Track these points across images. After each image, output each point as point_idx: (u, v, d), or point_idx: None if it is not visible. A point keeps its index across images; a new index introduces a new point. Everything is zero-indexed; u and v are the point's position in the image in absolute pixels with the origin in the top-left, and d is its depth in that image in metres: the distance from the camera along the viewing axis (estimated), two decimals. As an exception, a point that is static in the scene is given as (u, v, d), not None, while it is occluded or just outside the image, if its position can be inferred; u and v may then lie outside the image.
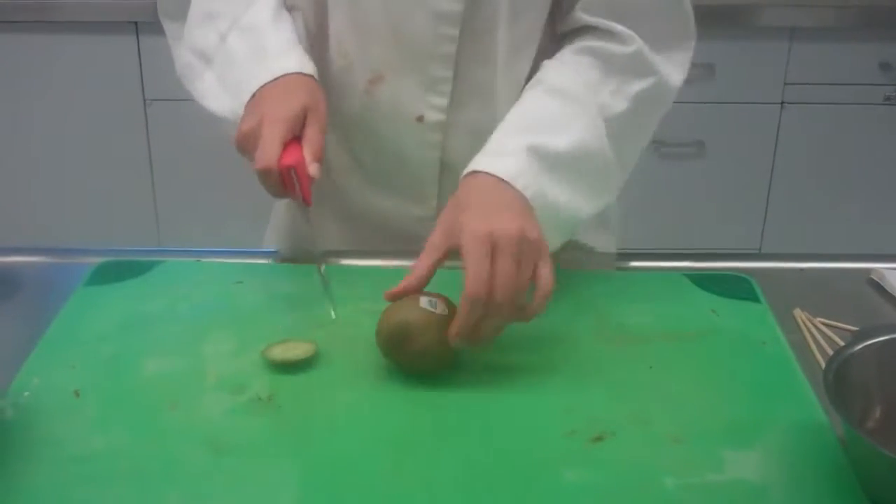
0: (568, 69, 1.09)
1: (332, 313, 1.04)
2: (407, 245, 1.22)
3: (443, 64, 1.11)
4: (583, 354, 1.00)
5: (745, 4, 2.54)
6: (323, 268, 1.07)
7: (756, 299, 1.11)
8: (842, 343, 0.99)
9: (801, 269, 1.20)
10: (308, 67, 1.08)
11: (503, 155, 1.02)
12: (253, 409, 0.92)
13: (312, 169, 1.01)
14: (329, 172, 1.20)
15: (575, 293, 1.09)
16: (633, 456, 0.86)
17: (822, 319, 1.07)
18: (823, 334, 1.05)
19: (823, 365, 0.97)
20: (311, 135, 1.03)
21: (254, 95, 1.05)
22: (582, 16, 1.11)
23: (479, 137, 1.15)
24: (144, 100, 2.62)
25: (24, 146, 2.68)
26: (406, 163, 1.17)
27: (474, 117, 1.14)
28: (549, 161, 1.02)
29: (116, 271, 1.13)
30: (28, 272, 1.17)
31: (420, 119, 1.14)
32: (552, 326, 1.04)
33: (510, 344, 0.99)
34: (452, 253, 0.96)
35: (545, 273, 0.95)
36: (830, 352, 1.00)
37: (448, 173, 1.17)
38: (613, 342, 1.02)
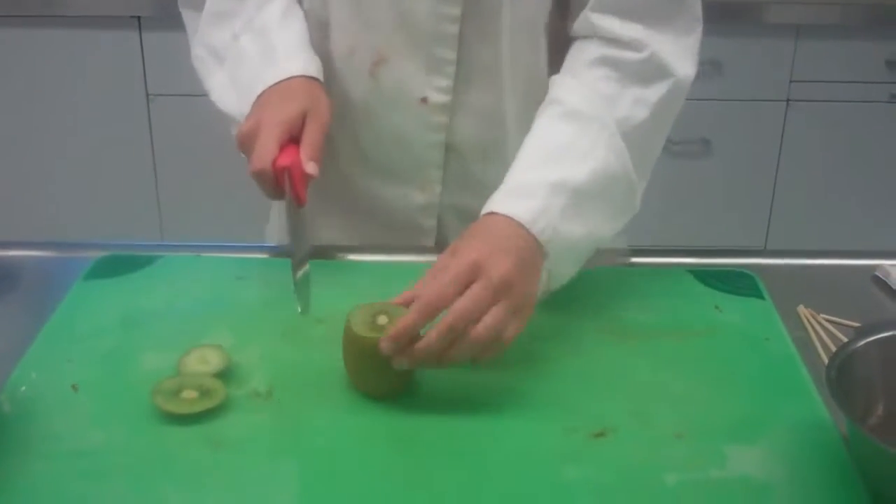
0: (582, 86, 1.06)
1: (299, 308, 1.03)
2: (409, 238, 1.22)
3: (446, 45, 1.10)
4: (584, 350, 1.00)
5: (752, 2, 2.53)
6: (301, 273, 1.05)
7: (760, 296, 1.10)
8: (845, 339, 0.98)
9: (806, 266, 1.20)
10: (312, 69, 1.09)
11: (523, 195, 0.98)
12: (252, 404, 0.91)
13: (309, 168, 1.02)
14: (336, 163, 1.20)
15: (578, 289, 1.08)
16: (634, 452, 0.86)
17: (826, 316, 1.07)
18: (827, 331, 1.04)
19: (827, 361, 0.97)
20: (309, 135, 1.04)
21: (258, 98, 1.07)
22: (592, 16, 1.08)
23: (484, 119, 1.14)
24: (147, 95, 2.62)
25: (26, 140, 2.68)
26: (410, 147, 1.16)
27: (480, 98, 1.14)
28: (571, 196, 0.99)
29: (116, 266, 1.13)
30: (28, 266, 1.17)
31: (424, 101, 1.13)
32: (554, 322, 1.03)
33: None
34: None
35: (511, 329, 0.90)
36: (834, 348, 1.00)
37: (452, 156, 1.17)
38: (616, 338, 1.02)
